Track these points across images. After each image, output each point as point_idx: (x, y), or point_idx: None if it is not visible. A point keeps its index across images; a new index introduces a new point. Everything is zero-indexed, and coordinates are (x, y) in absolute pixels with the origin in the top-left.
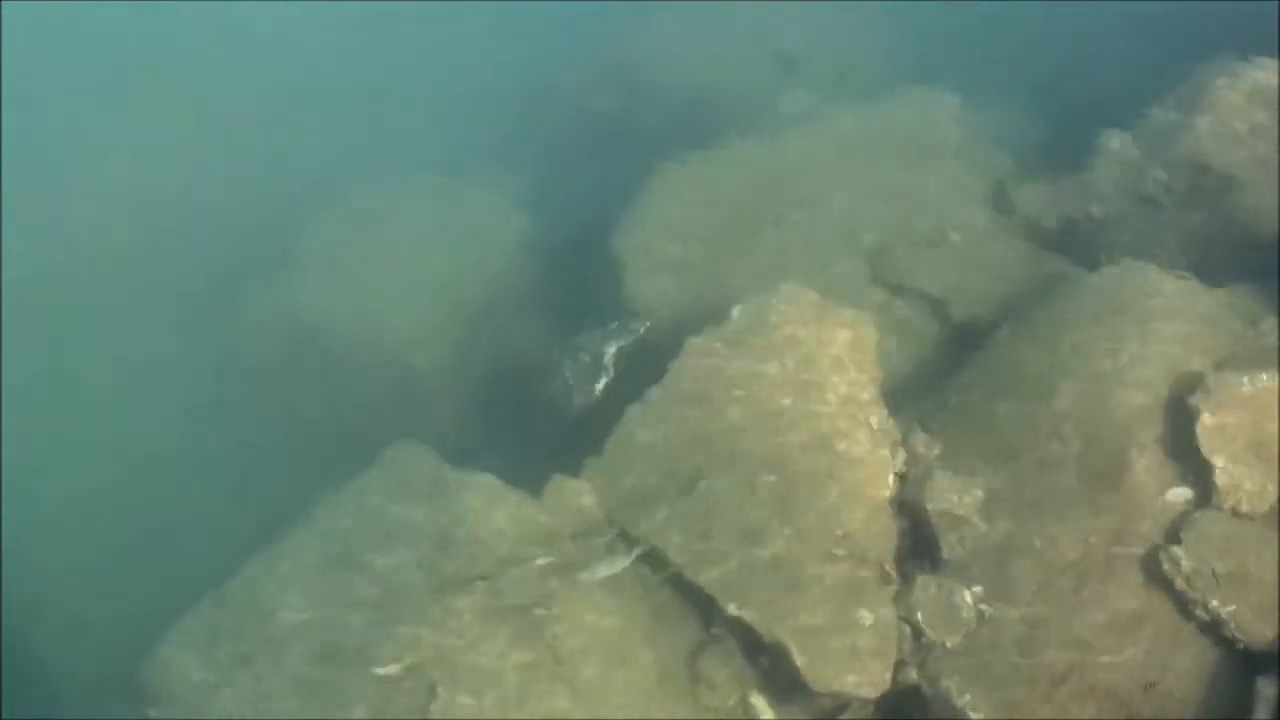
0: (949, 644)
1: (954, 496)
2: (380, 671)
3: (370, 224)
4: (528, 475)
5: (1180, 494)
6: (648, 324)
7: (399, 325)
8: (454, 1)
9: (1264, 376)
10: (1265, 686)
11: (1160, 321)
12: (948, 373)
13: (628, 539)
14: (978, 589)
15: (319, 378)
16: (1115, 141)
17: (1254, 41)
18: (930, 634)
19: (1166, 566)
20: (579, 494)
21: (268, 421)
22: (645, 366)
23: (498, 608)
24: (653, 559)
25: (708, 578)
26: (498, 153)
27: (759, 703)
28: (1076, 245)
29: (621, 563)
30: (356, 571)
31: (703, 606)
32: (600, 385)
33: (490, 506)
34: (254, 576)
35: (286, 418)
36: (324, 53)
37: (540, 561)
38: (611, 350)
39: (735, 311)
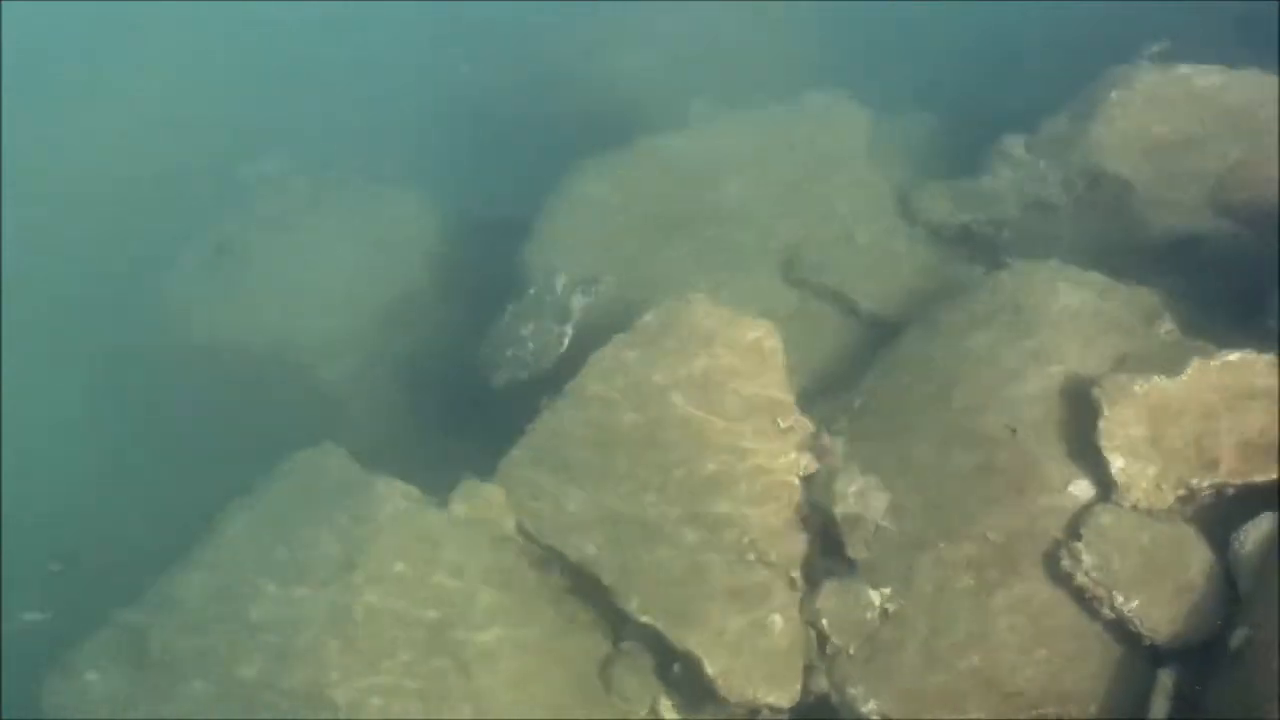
0: (852, 650)
1: (859, 497)
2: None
3: (279, 228)
4: (443, 480)
5: (1081, 490)
6: (609, 279)
7: (308, 332)
8: (367, 2)
9: (1159, 375)
10: (1166, 678)
11: (1059, 321)
12: (857, 373)
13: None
14: (885, 590)
15: (228, 384)
16: (1015, 147)
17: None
18: (835, 640)
19: (1067, 563)
20: (488, 498)
21: (174, 426)
22: (560, 369)
23: (402, 621)
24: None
25: (618, 585)
26: (410, 155)
27: (669, 713)
28: (979, 247)
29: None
30: (263, 584)
31: (613, 616)
32: (566, 341)
33: (399, 513)
34: (161, 591)
35: (196, 423)
36: (228, 56)
37: (446, 571)
38: (578, 304)
39: (644, 317)
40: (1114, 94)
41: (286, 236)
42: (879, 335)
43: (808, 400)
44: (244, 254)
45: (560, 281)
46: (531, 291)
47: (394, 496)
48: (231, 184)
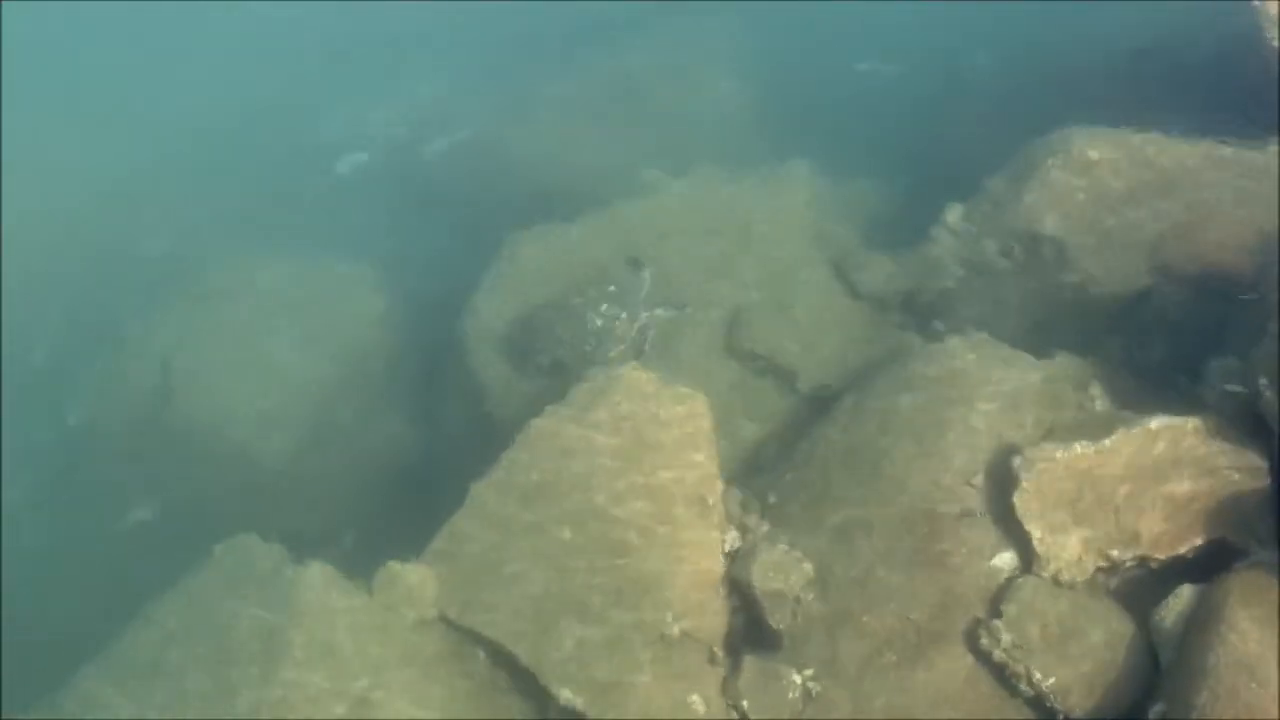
0: None
1: (781, 574)
2: None
3: (219, 303)
4: (377, 560)
5: (1005, 562)
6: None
7: (245, 410)
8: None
9: (1080, 444)
10: None
11: (992, 391)
12: (790, 446)
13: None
14: (808, 671)
15: (160, 464)
16: (954, 214)
17: (1089, 111)
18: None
19: (985, 640)
20: (414, 581)
21: (105, 510)
22: (488, 440)
23: (322, 711)
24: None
25: (540, 663)
26: (354, 231)
27: None
28: (918, 316)
29: None
30: (185, 677)
31: (536, 695)
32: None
33: (321, 602)
34: (85, 685)
35: (125, 507)
36: (178, 124)
37: (367, 658)
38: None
39: (574, 390)
40: (1048, 158)
41: (228, 308)
42: (816, 407)
43: (741, 473)
44: (180, 330)
45: (647, 280)
46: (611, 289)
47: (317, 584)
48: (172, 257)
